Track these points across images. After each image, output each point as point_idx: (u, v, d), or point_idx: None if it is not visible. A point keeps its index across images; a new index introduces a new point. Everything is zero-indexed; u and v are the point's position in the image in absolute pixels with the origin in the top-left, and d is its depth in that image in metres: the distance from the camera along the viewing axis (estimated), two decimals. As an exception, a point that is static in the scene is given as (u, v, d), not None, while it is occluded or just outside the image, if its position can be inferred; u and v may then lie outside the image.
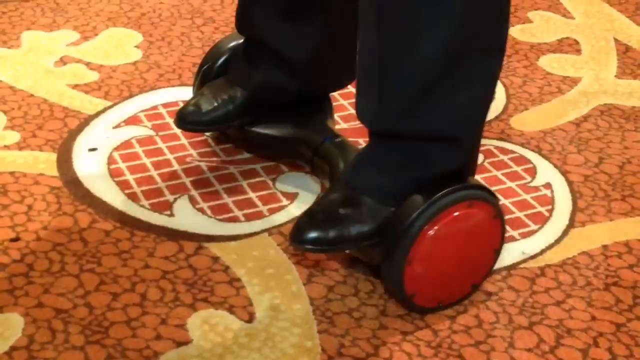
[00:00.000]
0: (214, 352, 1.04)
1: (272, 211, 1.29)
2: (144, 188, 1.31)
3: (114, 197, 1.29)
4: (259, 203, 1.30)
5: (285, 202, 1.31)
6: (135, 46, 1.68)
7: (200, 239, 1.23)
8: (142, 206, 1.28)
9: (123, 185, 1.31)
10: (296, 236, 1.08)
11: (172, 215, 1.26)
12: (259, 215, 1.28)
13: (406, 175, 1.10)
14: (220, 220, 1.26)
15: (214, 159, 1.39)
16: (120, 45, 1.68)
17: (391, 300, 1.14)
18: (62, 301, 1.10)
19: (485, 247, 1.13)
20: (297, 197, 1.32)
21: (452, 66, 1.03)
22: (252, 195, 1.32)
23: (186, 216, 1.26)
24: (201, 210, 1.28)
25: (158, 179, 1.34)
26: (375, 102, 1.07)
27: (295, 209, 1.28)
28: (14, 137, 1.40)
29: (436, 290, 1.12)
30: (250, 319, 1.10)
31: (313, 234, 1.08)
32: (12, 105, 1.48)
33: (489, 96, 1.10)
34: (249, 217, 1.27)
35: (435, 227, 1.07)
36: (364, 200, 1.10)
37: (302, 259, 1.20)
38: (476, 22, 1.01)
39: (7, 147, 1.38)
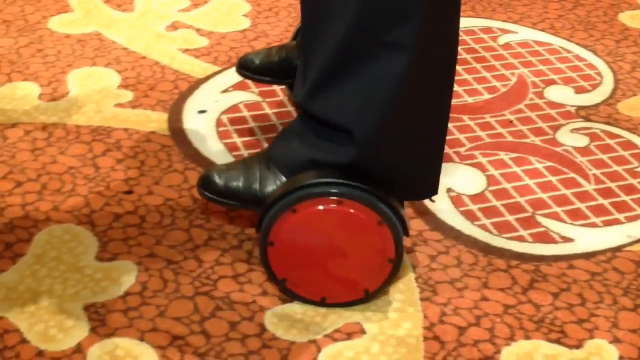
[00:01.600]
0: (318, 311, 1.06)
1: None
2: (251, 151, 1.34)
3: (222, 158, 1.32)
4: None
5: (389, 172, 1.32)
6: (244, 15, 1.71)
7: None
8: (250, 168, 1.30)
9: (230, 147, 1.34)
10: (200, 178, 1.12)
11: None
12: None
13: (305, 154, 1.07)
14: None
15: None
16: (229, 14, 1.71)
17: (494, 273, 1.14)
18: (172, 253, 1.13)
19: (374, 254, 1.05)
20: (400, 168, 1.32)
21: (349, 57, 0.99)
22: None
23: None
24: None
25: (264, 143, 1.36)
26: (299, 76, 1.07)
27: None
28: (127, 95, 1.45)
29: (315, 283, 1.07)
30: (354, 282, 1.11)
31: (205, 177, 1.10)
32: (125, 65, 1.53)
33: (391, 97, 1.00)
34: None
35: (296, 215, 1.03)
36: (269, 165, 1.10)
37: (405, 228, 1.21)
38: (377, 15, 0.97)
39: (120, 104, 1.42)
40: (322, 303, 1.08)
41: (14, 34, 1.59)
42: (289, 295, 1.08)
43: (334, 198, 1.03)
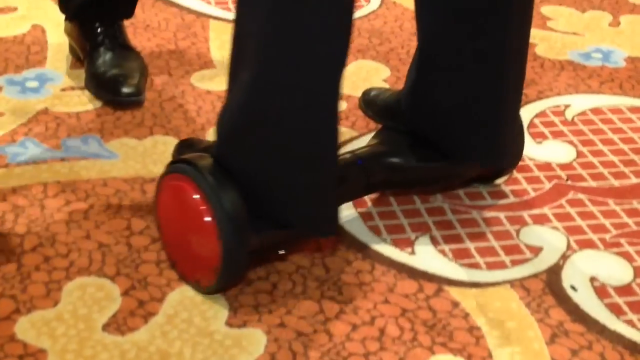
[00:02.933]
0: (450, 400, 1.02)
1: (515, 263, 1.25)
2: (386, 222, 1.31)
3: (358, 229, 1.29)
4: (501, 252, 1.27)
5: (529, 255, 1.26)
6: (384, 80, 1.70)
7: (441, 281, 1.21)
8: (384, 240, 1.27)
9: (366, 217, 1.32)
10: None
11: (413, 253, 1.25)
12: (501, 265, 1.24)
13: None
14: (461, 264, 1.24)
15: (457, 201, 1.37)
16: (368, 78, 1.70)
17: (640, 375, 1.07)
18: (303, 324, 1.11)
19: (204, 251, 1.09)
20: (541, 251, 1.27)
21: (231, 66, 1.09)
22: (494, 243, 1.28)
23: (427, 256, 1.25)
24: (442, 252, 1.26)
25: (400, 215, 1.33)
26: None
27: (540, 263, 1.24)
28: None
29: (188, 265, 1.13)
30: (489, 371, 1.06)
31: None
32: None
33: (245, 106, 1.06)
34: (490, 266, 1.24)
35: (159, 192, 1.15)
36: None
37: (545, 317, 1.15)
38: (242, 30, 1.06)
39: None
40: (173, 266, 1.17)
41: (158, 87, 1.62)
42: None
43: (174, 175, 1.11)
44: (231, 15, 1.89)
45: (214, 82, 1.65)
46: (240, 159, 1.09)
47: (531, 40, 1.86)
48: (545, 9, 2.03)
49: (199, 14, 1.90)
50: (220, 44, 1.78)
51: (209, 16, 1.89)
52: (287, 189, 1.09)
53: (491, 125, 1.25)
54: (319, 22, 1.01)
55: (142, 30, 1.81)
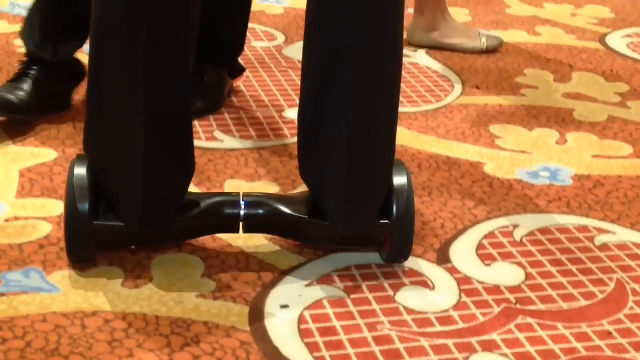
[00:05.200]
0: None
1: (464, 393, 1.22)
2: (332, 353, 1.29)
3: (303, 358, 1.27)
4: (450, 382, 1.24)
5: (478, 384, 1.24)
6: (333, 203, 1.70)
7: (388, 415, 1.18)
8: (330, 373, 1.25)
9: (313, 348, 1.29)
10: None
11: (359, 385, 1.23)
12: (449, 397, 1.22)
13: None
14: (409, 397, 1.21)
15: (405, 328, 1.35)
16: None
17: None
18: None
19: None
20: (490, 380, 1.25)
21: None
22: (443, 373, 1.26)
23: (374, 389, 1.22)
24: (390, 384, 1.23)
25: (347, 344, 1.31)
26: None
27: (489, 394, 1.22)
28: (210, 285, 1.43)
29: None
30: None
31: None
32: (211, 253, 1.51)
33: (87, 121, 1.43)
34: (439, 397, 1.21)
35: None
36: None
37: None
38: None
39: (202, 295, 1.40)
40: None
41: (104, 215, 1.61)
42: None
43: None
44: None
45: (162, 209, 1.64)
46: (91, 157, 1.41)
47: (479, 159, 1.89)
48: (494, 128, 2.06)
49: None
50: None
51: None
52: (116, 184, 1.38)
53: (339, 192, 1.39)
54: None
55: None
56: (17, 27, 2.48)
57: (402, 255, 1.49)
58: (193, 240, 1.53)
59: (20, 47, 2.34)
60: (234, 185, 1.74)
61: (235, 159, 1.83)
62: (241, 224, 1.45)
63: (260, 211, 1.45)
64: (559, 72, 2.42)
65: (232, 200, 1.45)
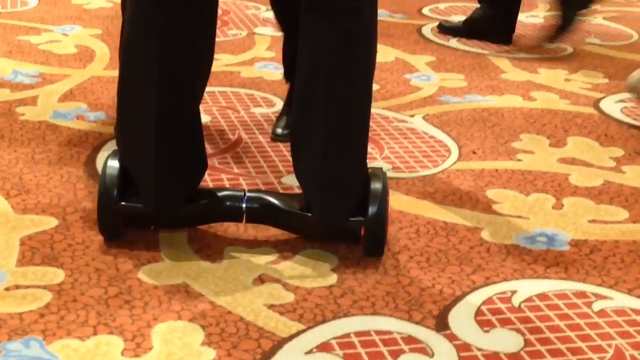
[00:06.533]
0: None
1: None
2: (332, 422, 1.28)
3: None
4: None
5: None
6: (331, 269, 1.71)
7: None
8: None
9: (312, 417, 1.29)
10: None
11: None
12: None
13: None
14: None
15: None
16: (316, 267, 1.71)
17: None
18: None
19: None
20: None
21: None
22: None
23: None
24: None
25: (347, 413, 1.31)
26: None
27: None
28: (210, 354, 1.43)
29: None
30: None
31: None
32: (210, 320, 1.52)
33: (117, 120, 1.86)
34: None
35: None
36: None
37: None
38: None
39: (202, 364, 1.40)
40: None
41: (104, 283, 1.61)
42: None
43: None
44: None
45: (162, 276, 1.65)
46: (121, 149, 1.75)
47: (477, 224, 1.90)
48: (490, 192, 2.08)
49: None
50: (170, 235, 1.79)
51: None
52: (138, 172, 1.69)
53: (316, 188, 1.68)
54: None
55: (92, 223, 1.82)
56: (20, 95, 2.52)
57: (376, 251, 1.73)
58: (192, 305, 1.54)
59: (22, 114, 2.37)
60: (234, 252, 1.75)
61: (234, 226, 1.85)
62: (244, 215, 1.74)
63: (259, 205, 1.74)
64: (554, 136, 2.45)
65: (236, 194, 1.74)
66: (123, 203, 1.69)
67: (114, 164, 1.70)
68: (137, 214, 1.72)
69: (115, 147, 1.79)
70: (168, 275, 1.66)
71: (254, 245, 1.78)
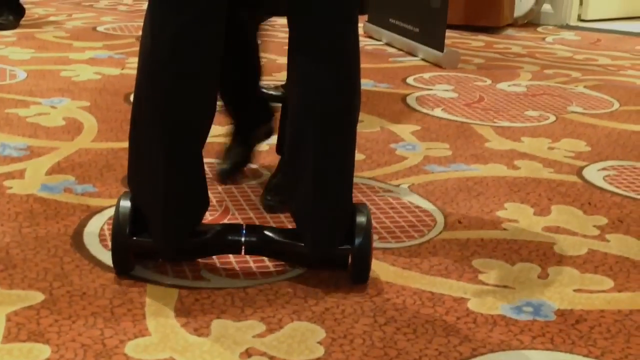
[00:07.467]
0: None
1: None
2: None
3: None
4: None
5: None
6: (318, 342, 1.71)
7: None
8: None
9: None
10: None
11: None
12: None
13: None
14: None
15: None
16: (303, 340, 1.71)
17: None
18: None
19: None
20: None
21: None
22: None
23: None
24: None
25: None
26: None
27: None
28: None
29: None
30: None
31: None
32: (197, 396, 1.51)
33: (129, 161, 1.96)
34: None
35: None
36: None
37: None
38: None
39: None
40: None
41: (90, 359, 1.61)
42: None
43: None
44: (169, 280, 1.92)
45: (149, 351, 1.64)
46: (132, 189, 1.92)
47: (463, 294, 1.91)
48: (476, 262, 2.09)
49: (137, 278, 1.92)
50: (156, 309, 1.79)
51: (146, 280, 1.91)
52: (148, 210, 1.87)
53: (308, 221, 1.88)
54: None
55: (78, 298, 1.82)
56: (7, 168, 2.53)
57: (361, 277, 1.92)
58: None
59: (9, 187, 2.38)
60: (221, 325, 1.75)
61: (221, 298, 1.85)
62: (242, 247, 1.92)
63: (256, 238, 1.92)
64: (538, 205, 2.48)
65: (235, 228, 1.93)
66: (135, 238, 1.87)
67: (126, 203, 1.88)
68: (146, 248, 1.90)
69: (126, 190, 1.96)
70: (155, 350, 1.65)
71: (241, 318, 1.78)
